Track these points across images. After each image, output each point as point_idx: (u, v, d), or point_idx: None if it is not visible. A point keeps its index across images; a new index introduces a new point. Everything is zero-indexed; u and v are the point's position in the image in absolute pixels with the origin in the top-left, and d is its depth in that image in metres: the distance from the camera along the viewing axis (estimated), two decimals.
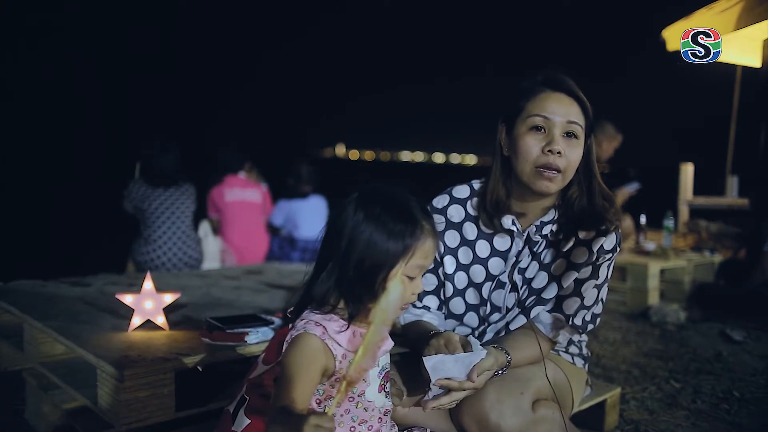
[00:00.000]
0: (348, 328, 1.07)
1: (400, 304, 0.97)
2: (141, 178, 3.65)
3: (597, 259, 1.41)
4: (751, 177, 4.63)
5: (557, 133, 1.37)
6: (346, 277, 1.06)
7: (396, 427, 1.24)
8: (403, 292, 1.00)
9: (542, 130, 1.38)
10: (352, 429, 1.12)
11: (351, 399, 1.11)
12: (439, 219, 1.55)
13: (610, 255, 1.42)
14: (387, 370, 1.18)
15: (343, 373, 1.01)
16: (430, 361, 1.19)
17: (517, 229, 1.47)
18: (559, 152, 1.35)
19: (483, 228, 1.52)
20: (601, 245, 1.40)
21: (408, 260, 1.07)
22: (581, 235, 1.43)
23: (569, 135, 1.38)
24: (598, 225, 1.41)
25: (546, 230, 1.46)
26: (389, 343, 1.18)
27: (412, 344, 1.49)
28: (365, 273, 1.06)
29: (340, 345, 1.06)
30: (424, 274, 1.56)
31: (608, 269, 1.46)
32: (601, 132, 4.19)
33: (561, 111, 1.38)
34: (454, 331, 1.58)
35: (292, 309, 1.16)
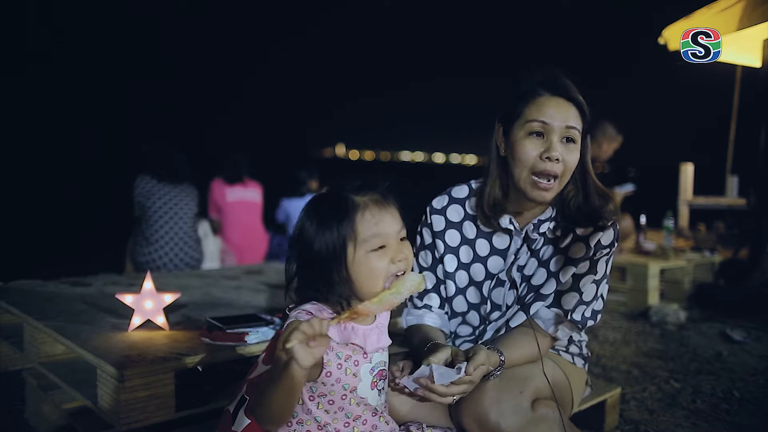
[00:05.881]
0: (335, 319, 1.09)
1: (415, 285, 1.14)
2: (148, 172, 3.58)
3: (595, 254, 1.41)
4: (751, 177, 4.63)
5: (555, 139, 1.35)
6: (319, 275, 1.13)
7: (394, 423, 1.25)
8: (419, 281, 1.15)
9: (540, 136, 1.37)
10: (346, 424, 1.14)
11: (344, 397, 1.13)
12: (439, 219, 1.56)
13: (608, 250, 1.43)
14: (381, 368, 1.19)
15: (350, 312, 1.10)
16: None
17: (515, 227, 1.47)
18: (557, 159, 1.34)
19: (482, 227, 1.52)
20: (599, 240, 1.41)
21: (357, 238, 1.11)
22: (579, 231, 1.43)
23: (567, 140, 1.37)
24: (594, 221, 1.41)
25: (544, 228, 1.46)
26: (386, 341, 1.19)
27: (413, 351, 1.50)
28: (326, 266, 1.12)
29: None
30: (424, 272, 1.57)
31: (606, 264, 1.46)
32: (601, 133, 4.16)
33: (559, 116, 1.36)
34: (456, 331, 1.59)
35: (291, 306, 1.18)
